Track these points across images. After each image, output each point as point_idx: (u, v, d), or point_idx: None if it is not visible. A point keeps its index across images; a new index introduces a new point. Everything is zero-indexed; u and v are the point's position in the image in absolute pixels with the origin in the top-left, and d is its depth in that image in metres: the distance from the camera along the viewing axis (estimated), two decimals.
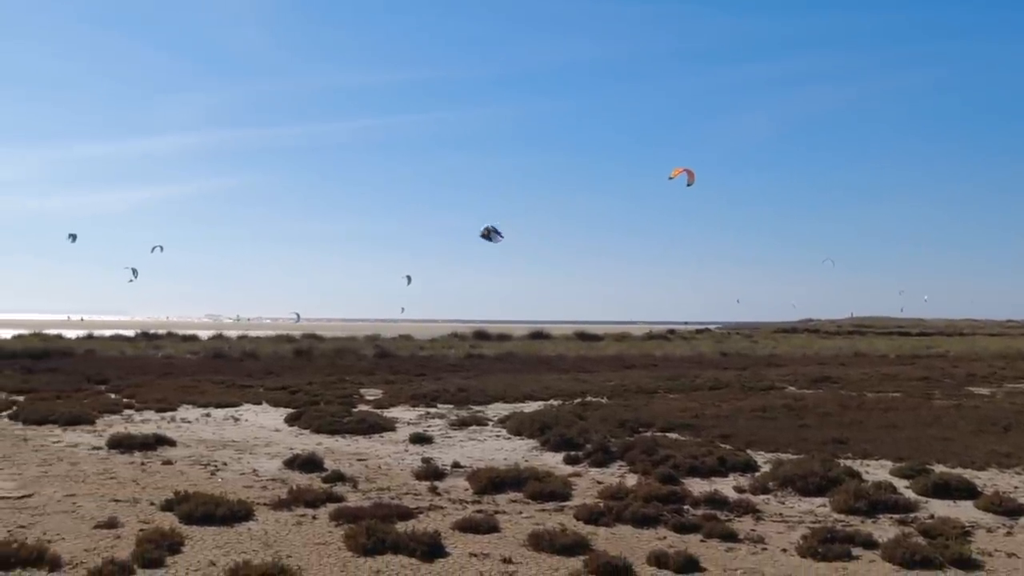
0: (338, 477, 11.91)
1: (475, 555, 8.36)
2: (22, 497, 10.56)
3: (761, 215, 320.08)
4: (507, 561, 8.16)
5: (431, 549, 8.32)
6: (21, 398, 20.96)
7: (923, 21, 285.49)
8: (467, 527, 9.26)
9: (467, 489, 11.45)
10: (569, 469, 12.87)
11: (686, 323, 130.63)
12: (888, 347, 53.96)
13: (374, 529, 8.61)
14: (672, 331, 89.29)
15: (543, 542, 8.57)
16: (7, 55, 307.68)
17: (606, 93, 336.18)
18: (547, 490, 11.02)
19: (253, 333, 57.40)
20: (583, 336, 57.91)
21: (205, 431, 16.55)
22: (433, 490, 11.29)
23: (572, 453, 13.85)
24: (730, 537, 9.07)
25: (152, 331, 53.16)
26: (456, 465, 13.00)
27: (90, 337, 46.53)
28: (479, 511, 10.16)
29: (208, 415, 18.86)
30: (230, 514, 9.53)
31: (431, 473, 12.25)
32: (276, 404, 20.65)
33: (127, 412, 19.08)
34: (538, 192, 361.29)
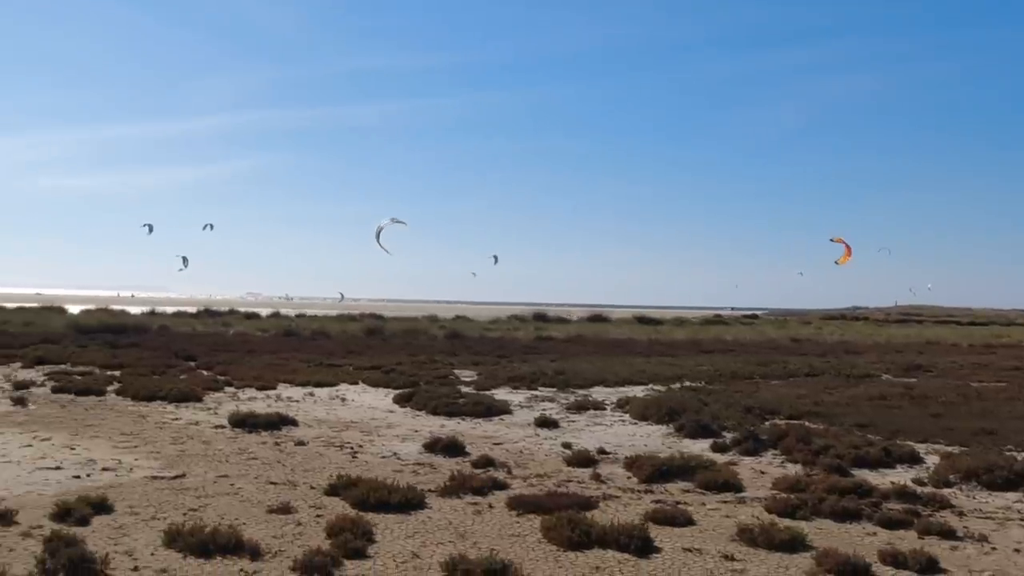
0: (488, 463, 11.36)
1: (688, 550, 7.78)
2: (175, 477, 10.12)
3: (780, 204, 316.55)
4: (729, 558, 7.57)
5: (644, 543, 7.74)
6: (116, 373, 20.67)
7: (953, 9, 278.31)
8: (661, 519, 8.66)
9: (630, 477, 10.87)
10: (721, 457, 12.23)
11: (732, 308, 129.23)
12: (955, 336, 52.73)
13: (577, 521, 8.05)
14: (719, 316, 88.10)
15: (757, 537, 7.97)
16: (43, 40, 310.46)
17: (631, 78, 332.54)
18: (719, 480, 10.41)
19: (309, 312, 57.24)
20: (642, 320, 57.21)
21: (317, 411, 16.09)
22: (596, 478, 10.72)
23: (718, 440, 13.24)
24: (949, 535, 8.41)
25: (214, 309, 53.22)
26: (602, 451, 12.42)
27: (153, 313, 46.49)
28: (657, 501, 9.60)
29: (311, 394, 18.43)
30: (405, 501, 9.02)
31: (582, 459, 11.68)
32: (375, 384, 20.17)
33: (228, 390, 18.68)
34: (561, 177, 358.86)
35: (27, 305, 47.33)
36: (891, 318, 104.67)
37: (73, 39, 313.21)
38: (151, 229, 46.38)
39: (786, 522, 8.68)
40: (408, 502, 9.04)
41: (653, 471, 10.74)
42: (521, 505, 9.11)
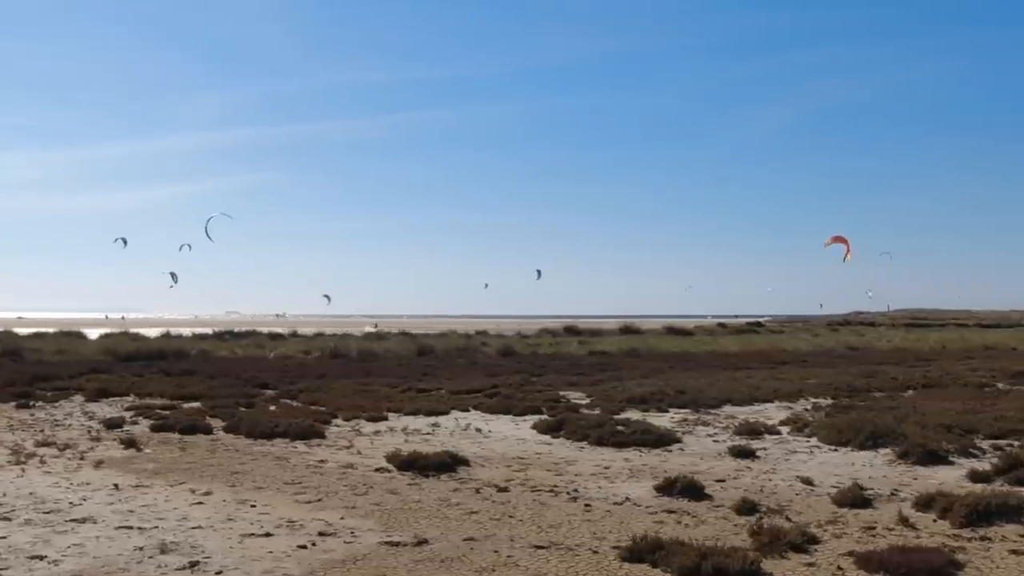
0: (752, 508, 9.60)
1: None
2: (419, 544, 8.24)
3: (764, 209, 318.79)
4: None
5: None
6: (196, 404, 18.69)
7: (938, 10, 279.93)
8: None
9: (935, 520, 9.13)
10: (986, 488, 10.50)
11: (736, 316, 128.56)
12: (994, 340, 51.60)
13: None
14: (723, 324, 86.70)
15: None
16: (26, 59, 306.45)
17: (620, 88, 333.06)
18: None
19: (328, 331, 55.03)
20: (672, 330, 55.56)
21: (464, 445, 14.17)
22: (904, 522, 8.97)
23: (975, 469, 11.54)
24: None
25: (233, 329, 50.97)
26: (860, 487, 10.66)
27: (169, 336, 44.26)
28: (1015, 551, 7.89)
29: (436, 425, 16.51)
30: (743, 570, 7.23)
31: (855, 500, 9.94)
32: (492, 411, 18.21)
33: (337, 423, 16.71)
34: (553, 186, 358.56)
35: (43, 330, 44.77)
36: (897, 323, 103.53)
37: (56, 59, 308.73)
38: (125, 243, 44.96)
39: None
40: (747, 570, 7.26)
41: (969, 512, 9.01)
42: (881, 566, 7.35)
